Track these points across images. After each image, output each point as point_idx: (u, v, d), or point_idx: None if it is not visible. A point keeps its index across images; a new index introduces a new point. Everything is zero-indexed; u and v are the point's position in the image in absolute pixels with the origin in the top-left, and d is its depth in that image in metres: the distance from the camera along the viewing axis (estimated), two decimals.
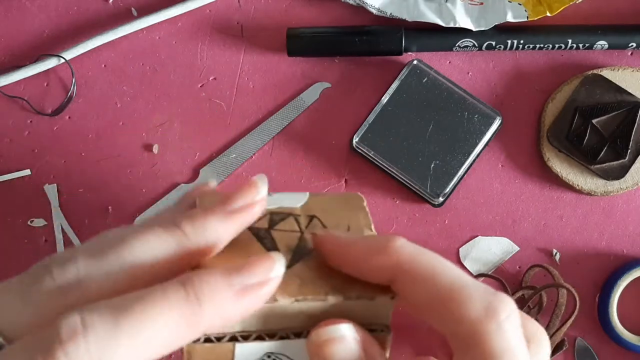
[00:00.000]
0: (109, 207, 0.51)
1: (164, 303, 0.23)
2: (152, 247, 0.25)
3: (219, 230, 0.26)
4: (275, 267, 0.25)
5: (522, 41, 0.49)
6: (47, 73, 0.51)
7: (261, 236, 0.29)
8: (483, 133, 0.48)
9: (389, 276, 0.26)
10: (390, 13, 0.49)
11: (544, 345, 0.28)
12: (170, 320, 0.23)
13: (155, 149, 0.51)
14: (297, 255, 0.28)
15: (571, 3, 0.48)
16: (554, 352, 0.47)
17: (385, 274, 0.26)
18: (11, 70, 0.51)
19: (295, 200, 0.31)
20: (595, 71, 0.49)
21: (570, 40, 0.49)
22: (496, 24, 0.48)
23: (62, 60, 0.50)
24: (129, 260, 0.25)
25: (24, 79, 0.51)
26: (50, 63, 0.50)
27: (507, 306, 0.25)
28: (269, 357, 0.27)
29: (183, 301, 0.24)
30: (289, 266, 0.27)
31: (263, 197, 0.28)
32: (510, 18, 0.48)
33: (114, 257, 0.25)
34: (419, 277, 0.26)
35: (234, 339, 0.26)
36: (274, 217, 0.30)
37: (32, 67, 0.50)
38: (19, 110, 0.51)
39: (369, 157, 0.48)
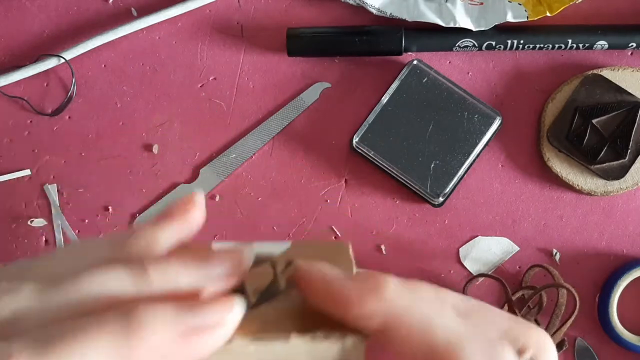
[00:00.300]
0: (109, 207, 0.51)
1: (98, 333, 0.22)
2: (108, 288, 0.24)
3: (188, 287, 0.25)
4: (234, 309, 0.24)
5: (522, 41, 0.49)
6: (47, 73, 0.51)
7: None
8: (483, 133, 0.48)
9: (379, 323, 0.24)
10: (390, 13, 0.49)
11: (551, 351, 0.27)
12: (101, 352, 0.22)
13: (155, 149, 0.51)
14: (264, 296, 0.26)
15: (571, 3, 0.48)
16: None
17: (375, 320, 0.24)
18: (11, 70, 0.51)
19: (276, 248, 0.29)
20: (595, 71, 0.49)
21: (570, 40, 0.49)
22: (496, 24, 0.48)
23: (62, 60, 0.50)
24: (77, 299, 0.23)
25: (24, 79, 0.51)
26: (50, 63, 0.50)
27: (508, 356, 0.24)
28: None
29: (119, 332, 0.22)
30: (253, 306, 0.26)
31: (246, 269, 0.26)
32: (510, 18, 0.48)
33: (61, 293, 0.23)
34: (414, 329, 0.24)
35: None
36: None
37: (32, 67, 0.50)
38: (19, 110, 0.51)
39: (369, 157, 0.48)
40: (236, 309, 0.24)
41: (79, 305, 0.23)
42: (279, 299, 0.26)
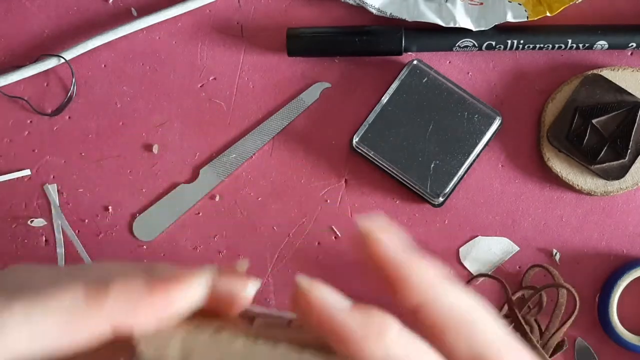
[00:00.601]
0: (109, 207, 0.51)
1: (68, 284, 0.23)
2: (113, 271, 0.24)
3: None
4: (203, 276, 0.24)
5: (522, 41, 0.49)
6: (46, 73, 0.51)
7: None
8: (483, 133, 0.48)
9: None
10: (390, 13, 0.49)
11: None
12: (68, 299, 0.22)
13: (155, 149, 0.51)
14: (268, 321, 0.26)
15: (571, 3, 0.48)
16: (554, 352, 0.47)
17: None
18: (11, 70, 0.51)
19: None
20: (595, 71, 0.49)
21: (570, 40, 0.49)
22: (496, 24, 0.48)
23: (62, 60, 0.50)
24: (81, 275, 0.24)
25: (24, 79, 0.51)
26: (50, 63, 0.50)
27: None
28: None
29: (90, 282, 0.23)
30: (254, 319, 0.26)
31: (247, 297, 0.26)
32: (510, 18, 0.48)
33: (70, 269, 0.25)
34: None
35: None
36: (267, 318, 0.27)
37: (32, 67, 0.50)
38: (19, 110, 0.51)
39: (369, 157, 0.48)
40: (205, 277, 0.24)
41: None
42: (282, 326, 0.26)
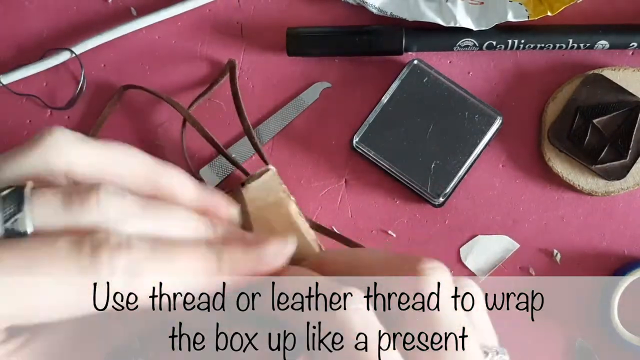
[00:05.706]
0: None
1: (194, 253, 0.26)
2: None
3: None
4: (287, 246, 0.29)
5: (522, 41, 0.49)
6: (46, 73, 0.51)
7: None
8: (484, 133, 0.48)
9: None
10: (391, 12, 0.49)
11: None
12: (195, 266, 0.26)
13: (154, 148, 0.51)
14: None
15: (572, 3, 0.47)
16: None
17: None
18: (10, 70, 0.51)
19: None
20: (596, 71, 0.49)
21: (571, 40, 0.48)
22: (497, 23, 0.48)
23: (62, 60, 0.50)
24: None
25: (23, 78, 0.51)
26: (50, 63, 0.50)
27: None
28: None
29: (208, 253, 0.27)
30: None
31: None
32: (511, 18, 0.48)
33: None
34: None
35: None
36: None
37: (31, 66, 0.50)
38: (18, 110, 0.51)
39: (369, 157, 0.48)
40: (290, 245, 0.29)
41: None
42: None
